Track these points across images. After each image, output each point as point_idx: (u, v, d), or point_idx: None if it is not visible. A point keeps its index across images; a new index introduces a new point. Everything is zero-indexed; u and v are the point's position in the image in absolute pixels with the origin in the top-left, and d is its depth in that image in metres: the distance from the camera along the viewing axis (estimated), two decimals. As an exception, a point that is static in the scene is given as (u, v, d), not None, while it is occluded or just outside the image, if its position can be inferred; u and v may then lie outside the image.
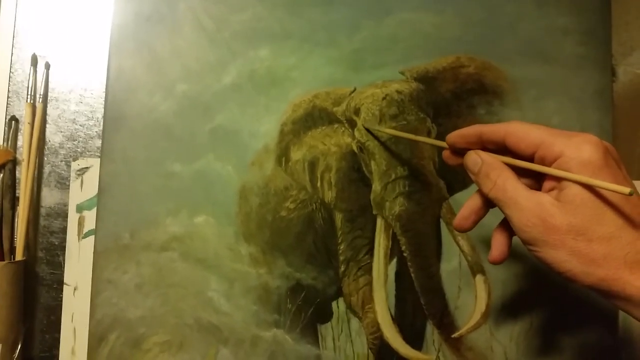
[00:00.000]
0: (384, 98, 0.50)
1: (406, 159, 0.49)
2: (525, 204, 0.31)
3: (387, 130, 0.48)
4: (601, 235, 0.29)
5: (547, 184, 0.32)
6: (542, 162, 0.32)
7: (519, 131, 0.33)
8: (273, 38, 0.52)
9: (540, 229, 0.30)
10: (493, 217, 0.36)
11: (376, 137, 0.49)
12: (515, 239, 0.34)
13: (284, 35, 0.52)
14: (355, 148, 0.51)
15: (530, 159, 0.33)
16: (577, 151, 0.30)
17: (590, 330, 0.52)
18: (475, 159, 0.35)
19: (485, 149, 0.36)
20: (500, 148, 0.35)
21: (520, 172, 0.34)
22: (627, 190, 0.28)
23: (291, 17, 0.52)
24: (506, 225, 0.35)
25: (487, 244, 0.51)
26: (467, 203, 0.37)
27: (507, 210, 0.33)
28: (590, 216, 0.29)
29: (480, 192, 0.36)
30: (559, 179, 0.31)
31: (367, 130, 0.49)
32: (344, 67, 0.52)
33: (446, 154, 0.39)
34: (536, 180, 0.34)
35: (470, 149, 0.36)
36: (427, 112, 0.50)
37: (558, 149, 0.31)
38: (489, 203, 0.36)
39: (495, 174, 0.34)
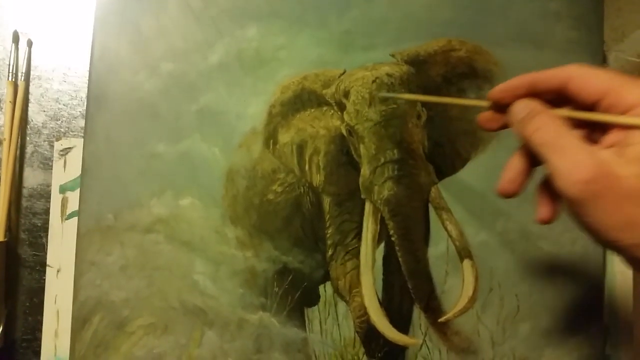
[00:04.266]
0: (374, 81, 0.49)
1: (395, 143, 0.49)
2: (579, 157, 0.26)
3: (405, 96, 0.47)
4: None
5: (608, 139, 0.28)
6: (608, 113, 0.28)
7: (584, 75, 0.29)
8: (261, 17, 0.51)
9: (593, 188, 0.25)
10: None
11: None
12: None
13: (272, 14, 0.51)
14: (344, 131, 0.50)
15: (591, 109, 0.29)
16: None
17: (576, 315, 0.52)
18: (526, 104, 0.30)
19: None
20: (556, 99, 0.30)
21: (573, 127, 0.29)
22: None
23: (280, -4, 0.51)
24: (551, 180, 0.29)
25: (474, 226, 0.51)
26: (509, 165, 0.32)
27: (554, 157, 0.27)
28: None
29: (523, 148, 0.31)
30: (624, 134, 0.27)
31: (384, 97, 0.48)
32: (333, 48, 0.51)
33: (484, 117, 0.34)
34: (591, 138, 0.29)
35: None
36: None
37: (631, 98, 0.26)
38: (534, 161, 0.31)
39: (541, 118, 0.29)
